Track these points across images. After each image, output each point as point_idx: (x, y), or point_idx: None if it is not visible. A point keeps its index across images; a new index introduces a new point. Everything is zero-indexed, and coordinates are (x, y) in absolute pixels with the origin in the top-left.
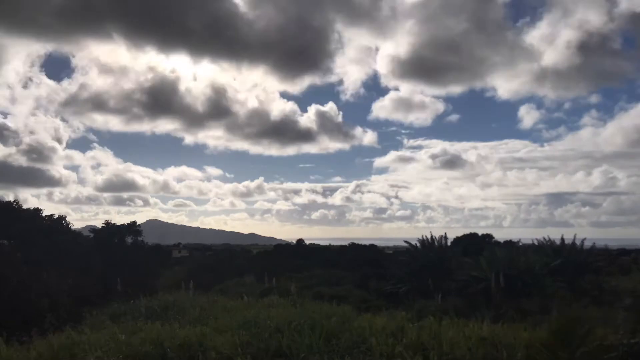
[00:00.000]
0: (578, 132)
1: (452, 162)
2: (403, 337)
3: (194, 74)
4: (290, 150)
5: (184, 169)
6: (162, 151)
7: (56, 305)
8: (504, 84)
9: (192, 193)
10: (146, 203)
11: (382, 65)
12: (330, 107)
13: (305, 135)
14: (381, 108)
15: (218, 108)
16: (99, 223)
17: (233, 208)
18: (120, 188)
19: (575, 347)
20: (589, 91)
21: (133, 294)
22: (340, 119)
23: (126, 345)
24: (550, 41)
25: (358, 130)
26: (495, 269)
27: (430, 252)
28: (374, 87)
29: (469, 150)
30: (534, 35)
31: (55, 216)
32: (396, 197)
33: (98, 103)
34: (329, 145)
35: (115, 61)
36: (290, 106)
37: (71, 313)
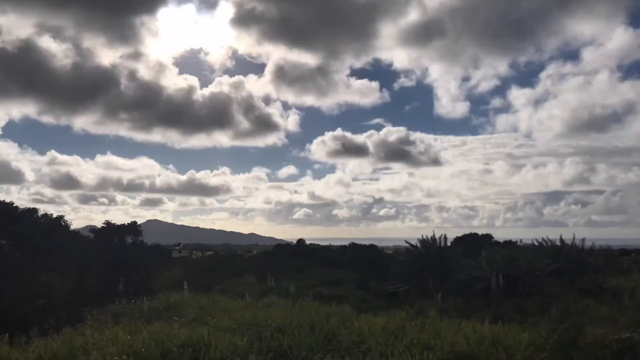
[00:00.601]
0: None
1: (399, 152)
2: (403, 337)
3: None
4: (206, 138)
5: (112, 159)
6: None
7: (56, 306)
8: (399, 51)
9: (149, 186)
10: (112, 200)
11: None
12: (248, 79)
13: (219, 119)
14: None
15: (85, 84)
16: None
17: (205, 207)
18: (70, 185)
19: (571, 345)
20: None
21: (133, 294)
22: (256, 95)
23: (128, 346)
24: None
25: (275, 110)
26: (495, 269)
27: (430, 252)
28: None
29: (419, 139)
30: None
31: (54, 216)
32: (363, 193)
33: None
34: (248, 129)
35: None
36: (188, 80)
37: (71, 313)
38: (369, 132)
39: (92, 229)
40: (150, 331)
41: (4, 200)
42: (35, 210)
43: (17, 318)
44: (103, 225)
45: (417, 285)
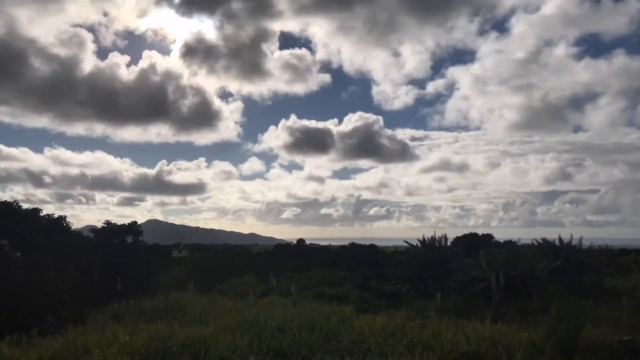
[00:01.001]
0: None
1: (367, 146)
2: (403, 337)
3: None
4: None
5: (63, 153)
6: None
7: (56, 305)
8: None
9: (124, 184)
10: (89, 199)
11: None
12: (171, 58)
13: (155, 107)
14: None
15: None
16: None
17: (186, 206)
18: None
19: (571, 345)
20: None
21: (134, 294)
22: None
23: (128, 346)
24: None
25: (209, 96)
26: (495, 269)
27: (430, 252)
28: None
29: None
30: None
31: (55, 216)
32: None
33: None
34: (190, 116)
35: None
36: (118, 59)
37: (71, 313)
38: (330, 121)
39: (92, 228)
40: (150, 331)
41: (6, 201)
42: (37, 210)
43: (18, 318)
44: (103, 225)
45: (417, 285)
